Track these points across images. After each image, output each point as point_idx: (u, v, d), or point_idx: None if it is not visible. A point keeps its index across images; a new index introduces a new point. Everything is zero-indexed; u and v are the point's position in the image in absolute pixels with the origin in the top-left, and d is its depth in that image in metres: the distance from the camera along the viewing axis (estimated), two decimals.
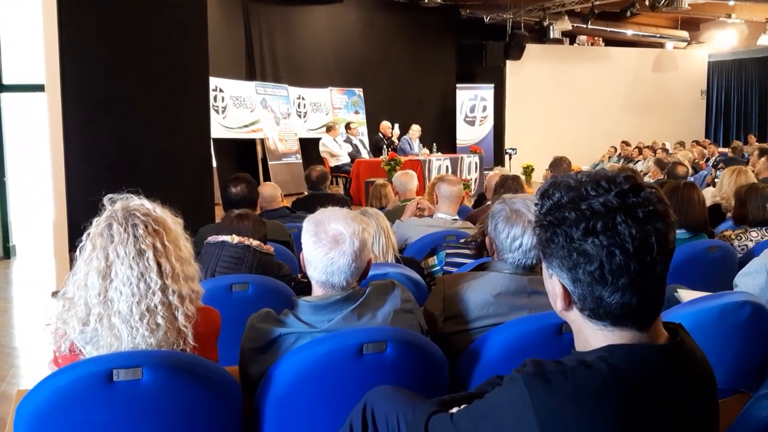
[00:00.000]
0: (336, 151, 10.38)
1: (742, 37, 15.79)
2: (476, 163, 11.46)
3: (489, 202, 4.63)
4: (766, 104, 17.97)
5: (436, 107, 14.54)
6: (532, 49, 15.40)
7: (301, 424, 1.72)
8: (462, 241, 3.15)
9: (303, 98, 12.23)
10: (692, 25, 16.58)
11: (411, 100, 13.56)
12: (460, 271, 2.59)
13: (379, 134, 11.06)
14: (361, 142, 11.45)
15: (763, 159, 6.93)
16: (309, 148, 11.51)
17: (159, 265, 1.62)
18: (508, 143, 14.67)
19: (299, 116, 12.10)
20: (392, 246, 2.91)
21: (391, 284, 1.91)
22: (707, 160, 11.50)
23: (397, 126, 11.16)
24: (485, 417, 1.10)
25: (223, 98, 10.44)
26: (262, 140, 10.99)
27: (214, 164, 8.42)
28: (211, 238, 2.73)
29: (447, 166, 10.47)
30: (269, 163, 10.82)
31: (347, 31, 13.03)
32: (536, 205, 1.13)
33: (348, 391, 1.68)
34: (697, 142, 13.69)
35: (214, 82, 9.45)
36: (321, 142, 10.52)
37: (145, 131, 5.42)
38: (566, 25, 14.15)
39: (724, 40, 16.14)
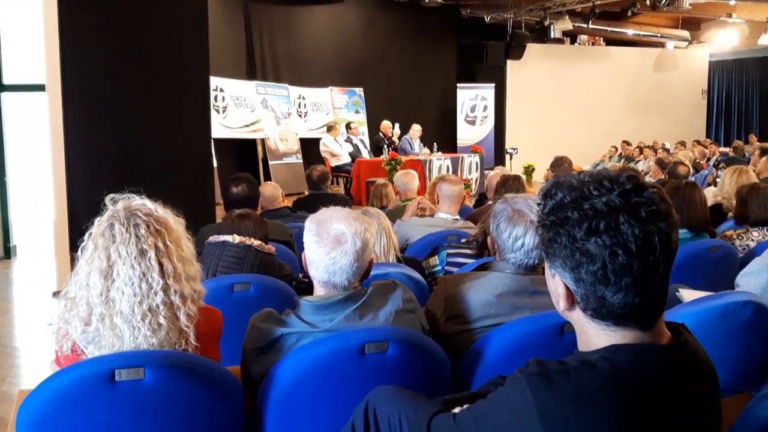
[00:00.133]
0: (337, 150, 10.38)
1: (742, 37, 15.77)
2: (477, 162, 11.46)
3: (490, 202, 4.63)
4: (767, 104, 17.96)
5: (437, 107, 14.55)
6: (532, 48, 15.40)
7: (303, 424, 1.72)
8: (463, 241, 3.15)
9: (303, 98, 12.24)
10: (693, 24, 16.57)
11: (412, 100, 13.57)
12: (461, 271, 2.58)
13: (380, 134, 11.06)
14: (362, 141, 11.45)
15: (764, 158, 6.93)
16: (309, 147, 11.51)
17: (161, 265, 1.62)
18: (509, 143, 14.67)
19: (300, 116, 12.10)
20: (393, 246, 2.91)
21: (392, 284, 1.91)
22: (708, 159, 11.49)
23: (397, 126, 11.16)
24: (488, 417, 1.10)
25: (223, 98, 10.44)
26: (263, 140, 11.00)
27: (215, 164, 8.42)
28: (213, 238, 2.73)
29: (447, 166, 10.47)
30: (270, 162, 10.82)
31: (348, 31, 13.04)
32: (539, 205, 1.13)
33: (350, 391, 1.68)
34: (698, 142, 13.68)
35: (214, 81, 9.46)
36: (321, 142, 10.52)
37: (145, 131, 5.42)
38: (567, 24, 14.14)
39: (725, 40, 16.12)
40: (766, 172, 6.43)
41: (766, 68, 17.85)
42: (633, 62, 16.76)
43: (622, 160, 13.22)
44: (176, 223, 1.72)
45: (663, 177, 6.73)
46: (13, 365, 4.05)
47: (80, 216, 4.85)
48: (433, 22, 14.06)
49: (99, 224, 1.66)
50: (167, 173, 5.36)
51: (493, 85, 14.88)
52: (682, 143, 12.99)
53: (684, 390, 1.07)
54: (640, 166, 11.44)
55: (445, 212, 3.97)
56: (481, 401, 1.14)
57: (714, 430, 1.14)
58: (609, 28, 15.77)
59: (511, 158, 13.48)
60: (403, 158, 9.66)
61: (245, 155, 10.96)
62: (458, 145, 14.09)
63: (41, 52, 5.35)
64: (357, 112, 12.99)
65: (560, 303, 1.13)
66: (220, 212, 5.29)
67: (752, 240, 3.44)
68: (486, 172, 10.46)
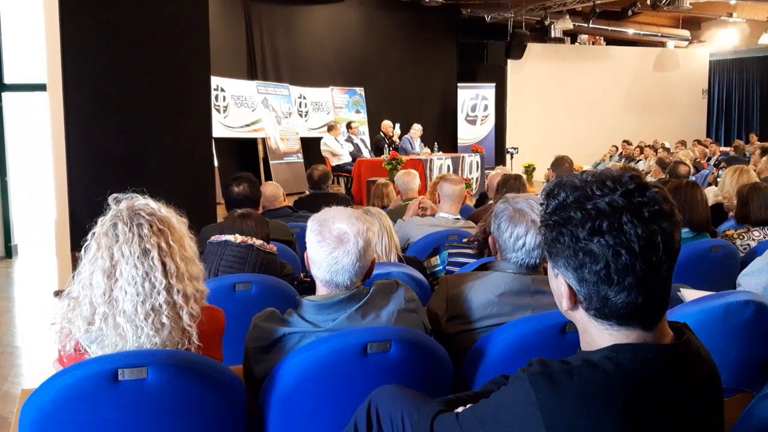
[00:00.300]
0: (337, 150, 10.38)
1: (743, 36, 15.76)
2: (477, 162, 11.46)
3: (491, 202, 4.63)
4: (767, 103, 17.96)
5: (438, 106, 14.55)
6: (533, 48, 15.40)
7: (305, 423, 1.72)
8: (464, 240, 3.15)
9: (304, 97, 12.24)
10: (693, 24, 16.56)
11: (412, 100, 13.57)
12: (462, 271, 2.58)
13: (381, 133, 11.06)
14: (363, 141, 11.45)
15: (764, 158, 6.93)
16: (310, 147, 11.51)
17: (164, 264, 1.62)
18: (510, 142, 14.67)
19: (300, 115, 12.10)
20: (395, 245, 2.91)
21: (395, 284, 1.91)
22: (709, 159, 11.49)
23: (398, 125, 11.16)
24: (491, 416, 1.10)
25: (224, 97, 10.45)
26: (264, 139, 10.99)
27: (216, 163, 8.42)
28: (214, 238, 2.73)
29: (448, 166, 10.47)
30: (270, 162, 10.82)
31: (348, 31, 13.04)
32: (541, 204, 1.14)
33: (352, 390, 1.68)
34: (699, 141, 13.67)
35: (215, 81, 9.47)
36: (322, 142, 10.52)
37: (146, 130, 5.42)
38: (567, 24, 14.14)
39: (726, 40, 16.11)
40: (767, 171, 6.42)
41: (766, 68, 17.85)
42: (633, 62, 16.75)
43: (623, 160, 13.22)
44: (179, 222, 1.72)
45: (664, 177, 6.73)
46: (15, 365, 4.05)
47: (81, 215, 4.85)
48: (433, 21, 14.06)
49: (102, 224, 1.66)
50: (168, 172, 5.36)
51: (494, 84, 14.88)
52: (683, 143, 12.99)
53: (686, 390, 1.08)
54: (641, 166, 11.44)
55: (446, 212, 3.98)
56: (484, 401, 1.15)
57: (716, 429, 1.14)
58: (609, 28, 15.77)
59: (511, 158, 13.48)
60: (404, 158, 9.65)
61: (246, 155, 10.96)
62: (459, 144, 14.09)
63: (42, 52, 5.36)
64: (358, 111, 12.99)
65: (563, 303, 1.13)
66: (221, 212, 5.29)
67: (753, 240, 3.44)
68: (486, 171, 10.46)
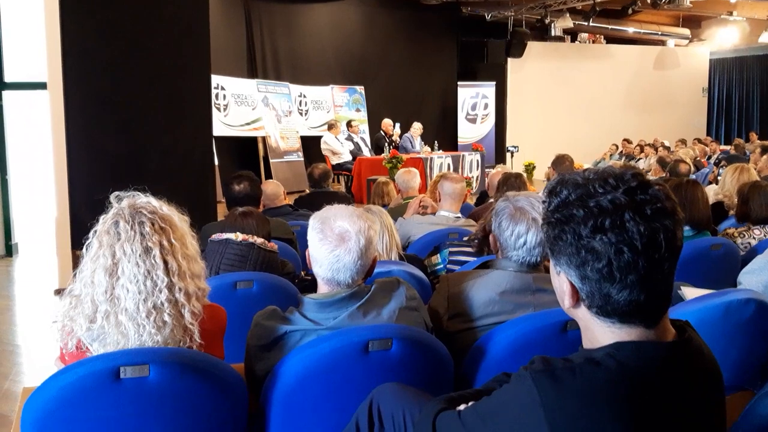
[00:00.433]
0: (337, 148, 10.38)
1: (743, 35, 15.76)
2: (478, 160, 11.47)
3: (492, 200, 4.63)
4: None
5: (438, 105, 14.55)
6: (533, 46, 15.40)
7: (307, 421, 1.73)
8: (465, 239, 3.15)
9: (304, 96, 12.23)
10: (694, 22, 16.55)
11: (412, 98, 13.57)
12: (463, 269, 2.58)
13: (381, 132, 11.07)
14: (363, 139, 11.45)
15: (765, 156, 6.93)
16: (310, 146, 11.51)
17: (165, 262, 1.62)
18: (510, 141, 14.67)
19: (301, 114, 12.10)
20: (396, 244, 2.91)
21: (396, 282, 1.91)
22: (709, 157, 11.49)
23: (398, 124, 11.16)
24: (493, 414, 1.10)
25: (224, 96, 10.44)
26: (264, 138, 10.99)
27: (216, 162, 8.41)
28: (215, 236, 2.73)
29: (449, 164, 10.47)
30: (271, 161, 10.83)
31: (349, 29, 13.04)
32: (544, 202, 1.13)
33: (354, 388, 1.68)
34: (699, 140, 13.68)
35: (215, 80, 9.46)
36: (322, 140, 10.52)
37: (146, 128, 5.42)
38: (568, 22, 14.13)
39: (726, 38, 16.11)
40: (767, 170, 6.42)
41: (766, 66, 17.84)
42: (634, 60, 16.75)
43: (623, 158, 13.22)
44: (181, 220, 1.72)
45: (664, 175, 6.73)
46: (15, 363, 4.06)
47: (82, 214, 4.85)
48: (433, 20, 14.05)
49: (104, 222, 1.66)
50: (169, 171, 5.36)
51: (494, 83, 14.88)
52: (683, 141, 12.99)
53: (688, 387, 1.08)
54: (641, 164, 11.45)
55: (447, 210, 3.98)
56: (486, 398, 1.15)
57: (718, 427, 1.14)
58: (610, 26, 15.77)
59: (512, 156, 13.47)
60: (404, 156, 9.66)
61: (246, 153, 10.97)
62: (459, 143, 14.09)
63: (43, 50, 5.35)
64: (358, 110, 12.99)
65: (565, 300, 1.13)
66: (221, 210, 5.29)
67: (754, 238, 3.44)
68: (487, 170, 10.47)
